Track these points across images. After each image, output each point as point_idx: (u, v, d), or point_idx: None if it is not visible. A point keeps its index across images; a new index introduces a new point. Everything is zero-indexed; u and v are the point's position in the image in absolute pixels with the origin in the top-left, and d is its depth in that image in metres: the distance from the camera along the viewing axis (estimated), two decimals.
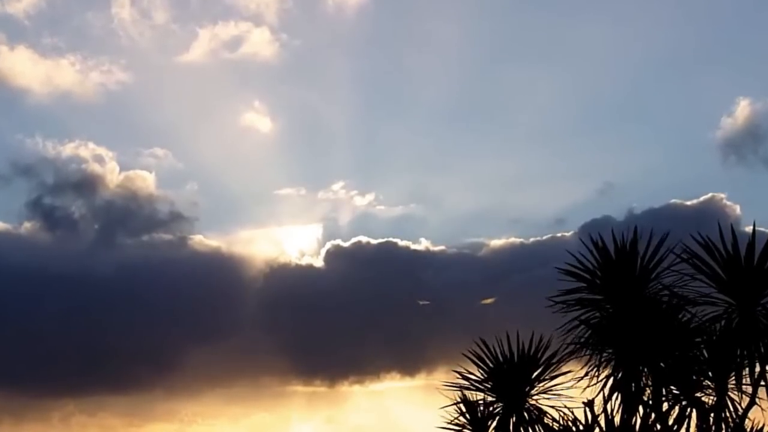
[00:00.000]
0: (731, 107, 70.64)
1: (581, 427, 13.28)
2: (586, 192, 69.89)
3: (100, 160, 61.86)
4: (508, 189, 68.59)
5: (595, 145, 67.74)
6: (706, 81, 63.34)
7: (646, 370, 12.91)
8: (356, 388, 54.44)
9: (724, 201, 52.13)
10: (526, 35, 67.05)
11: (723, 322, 12.50)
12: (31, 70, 61.41)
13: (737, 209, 50.65)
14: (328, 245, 59.23)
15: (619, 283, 13.09)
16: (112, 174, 59.79)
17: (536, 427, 14.26)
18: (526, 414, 14.40)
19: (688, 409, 12.74)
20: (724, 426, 12.56)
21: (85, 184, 60.18)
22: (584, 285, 13.38)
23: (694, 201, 51.94)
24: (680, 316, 12.81)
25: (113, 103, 64.94)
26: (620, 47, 64.34)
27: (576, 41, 64.09)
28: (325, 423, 55.12)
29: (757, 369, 12.44)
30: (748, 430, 12.67)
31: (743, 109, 56.84)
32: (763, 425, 12.80)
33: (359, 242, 58.40)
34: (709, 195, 52.20)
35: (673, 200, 51.68)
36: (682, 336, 12.70)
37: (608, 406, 12.97)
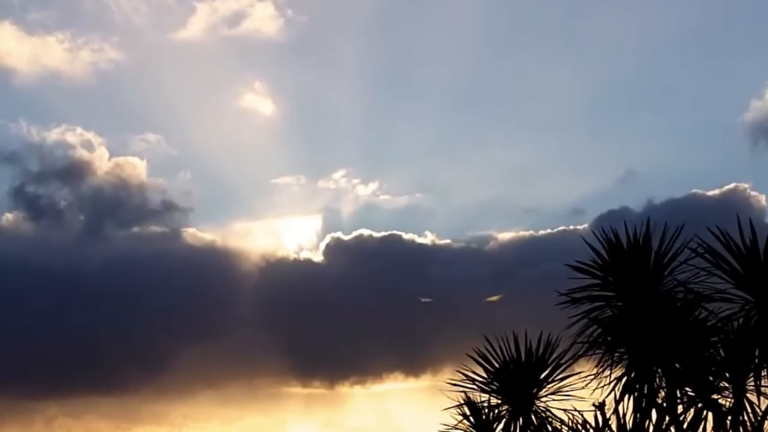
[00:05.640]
0: (762, 90, 70.70)
1: (591, 431, 13.38)
2: (606, 181, 70.06)
3: (88, 145, 62.23)
4: (521, 179, 68.83)
5: (615, 131, 67.87)
6: (735, 63, 63.44)
7: (659, 370, 12.99)
8: (357, 389, 54.64)
9: (749, 191, 52.17)
10: (541, 18, 67.17)
11: (741, 320, 12.57)
12: (16, 48, 61.63)
13: (762, 200, 50.72)
14: (328, 238, 59.47)
15: (632, 279, 13.17)
16: (101, 161, 60.05)
17: (544, 430, 14.37)
18: (533, 416, 14.50)
19: (704, 412, 12.81)
20: (741, 429, 12.63)
21: (72, 172, 60.48)
22: (595, 281, 13.47)
23: (716, 191, 52.00)
24: (696, 313, 12.88)
25: (104, 85, 65.18)
26: (642, 28, 64.46)
27: (594, 23, 64.18)
28: (323, 426, 55.34)
29: None
30: None
31: None
32: None
33: (361, 235, 58.58)
34: (733, 185, 52.22)
35: (694, 190, 51.74)
36: (697, 334, 12.77)
37: (620, 409, 13.06)
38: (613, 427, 13.15)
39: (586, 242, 13.41)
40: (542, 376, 14.57)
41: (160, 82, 65.63)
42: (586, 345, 13.29)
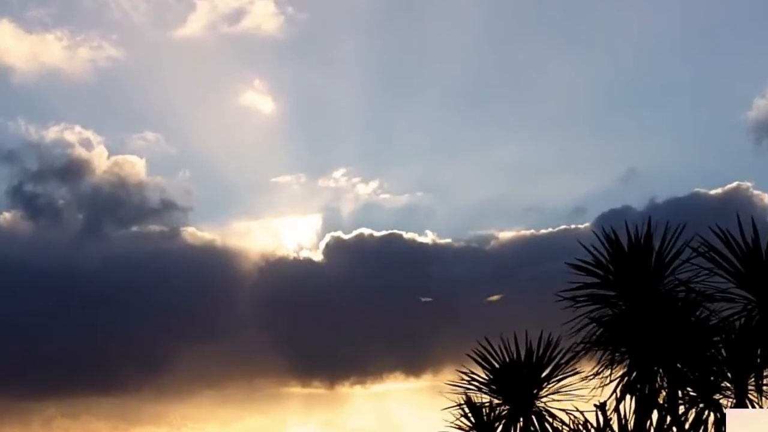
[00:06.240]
0: (765, 88, 70.67)
1: (592, 431, 13.39)
2: (607, 180, 69.87)
3: (87, 144, 62.02)
4: (522, 177, 68.66)
5: (617, 130, 67.68)
6: (738, 61, 63.20)
7: (661, 370, 13.00)
8: (357, 389, 54.59)
9: (751, 190, 52.18)
10: (542, 17, 66.98)
11: (742, 320, 12.59)
12: (14, 46, 61.39)
13: (765, 199, 50.73)
14: (328, 237, 59.34)
15: (633, 279, 13.19)
16: (100, 159, 59.84)
17: (545, 430, 14.38)
18: (534, 417, 14.51)
19: (706, 412, 12.83)
20: None
21: (71, 170, 60.23)
22: (596, 280, 13.49)
23: (719, 190, 52.02)
24: (697, 313, 12.90)
25: (103, 83, 64.95)
26: (644, 27, 64.23)
27: (595, 22, 64.03)
28: (323, 426, 55.31)
29: None
30: None
31: None
32: None
33: (361, 234, 58.52)
34: (735, 184, 52.23)
35: (696, 189, 51.78)
36: (699, 334, 12.79)
37: (621, 409, 13.08)
38: (615, 427, 13.17)
39: (584, 246, 13.44)
40: (543, 375, 14.58)
41: (159, 80, 65.53)
42: (587, 345, 13.31)
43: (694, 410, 12.89)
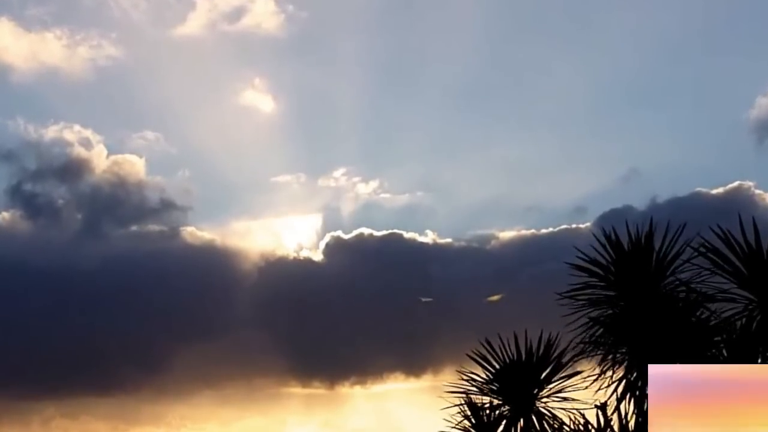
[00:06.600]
0: (767, 87, 70.70)
1: (593, 431, 13.39)
2: (608, 179, 70.01)
3: (86, 143, 62.11)
4: (522, 177, 68.80)
5: (618, 129, 67.85)
6: (740, 60, 63.33)
7: None
8: (357, 389, 54.67)
9: (753, 189, 52.20)
10: (543, 15, 67.02)
11: (743, 320, 12.59)
12: (13, 45, 61.54)
13: (767, 198, 50.74)
14: (328, 237, 59.43)
15: (633, 279, 13.20)
16: (99, 158, 59.95)
17: (545, 431, 14.38)
18: (534, 417, 14.51)
19: None
20: None
21: (70, 170, 60.36)
22: (597, 280, 13.49)
23: (720, 189, 52.05)
24: (698, 313, 12.90)
25: (102, 82, 65.14)
26: (645, 25, 64.34)
27: (596, 20, 64.14)
28: (323, 426, 55.39)
29: None
30: None
31: None
32: None
33: (361, 234, 58.57)
34: (736, 183, 52.25)
35: (698, 188, 51.82)
36: (699, 334, 12.79)
37: (622, 409, 13.08)
38: (615, 427, 13.16)
39: (578, 249, 13.46)
40: (543, 376, 14.58)
41: (158, 78, 65.65)
42: (588, 345, 13.31)
43: None
